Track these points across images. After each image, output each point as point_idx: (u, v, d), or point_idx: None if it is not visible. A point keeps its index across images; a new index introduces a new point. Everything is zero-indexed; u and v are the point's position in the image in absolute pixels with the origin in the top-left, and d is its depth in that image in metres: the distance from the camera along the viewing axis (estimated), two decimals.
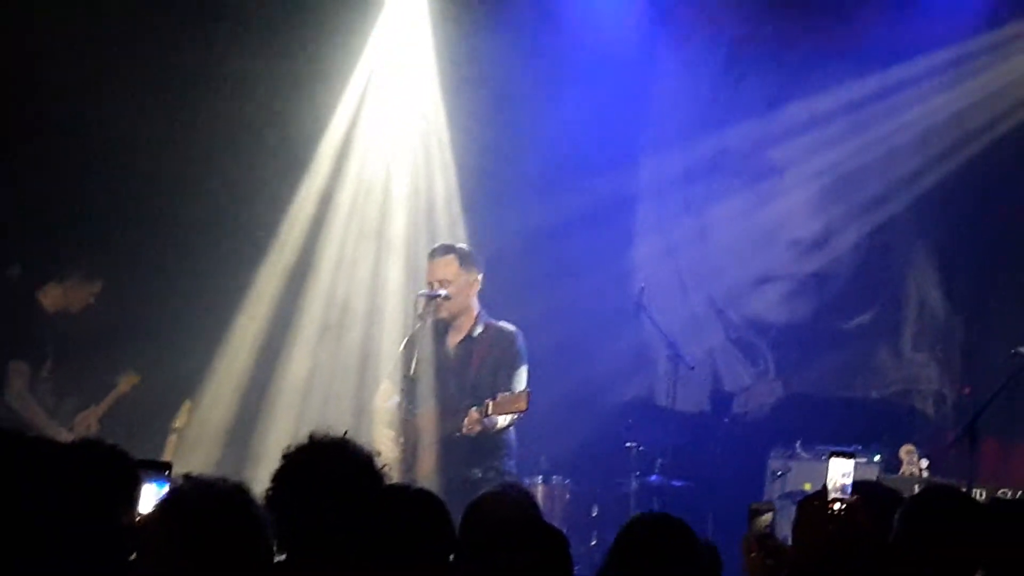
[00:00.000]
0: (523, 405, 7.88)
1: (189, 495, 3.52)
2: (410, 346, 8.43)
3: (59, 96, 9.86)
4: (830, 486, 4.28)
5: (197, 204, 10.34)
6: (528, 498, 4.50)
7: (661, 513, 4.11)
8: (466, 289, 8.40)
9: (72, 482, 3.76)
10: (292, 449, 4.21)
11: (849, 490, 4.25)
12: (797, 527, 4.33)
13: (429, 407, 8.32)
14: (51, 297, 9.73)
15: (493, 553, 3.91)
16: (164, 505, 3.56)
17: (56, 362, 9.69)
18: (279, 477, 4.16)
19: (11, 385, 9.41)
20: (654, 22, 11.64)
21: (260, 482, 4.19)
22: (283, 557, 4.10)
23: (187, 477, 3.66)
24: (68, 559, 3.28)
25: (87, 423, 9.51)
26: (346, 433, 4.29)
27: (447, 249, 8.56)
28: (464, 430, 8.02)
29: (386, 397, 8.62)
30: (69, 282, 9.77)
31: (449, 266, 8.38)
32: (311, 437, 4.23)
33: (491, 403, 7.97)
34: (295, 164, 10.63)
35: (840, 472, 4.28)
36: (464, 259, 8.42)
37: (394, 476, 4.52)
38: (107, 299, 9.93)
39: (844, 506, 4.21)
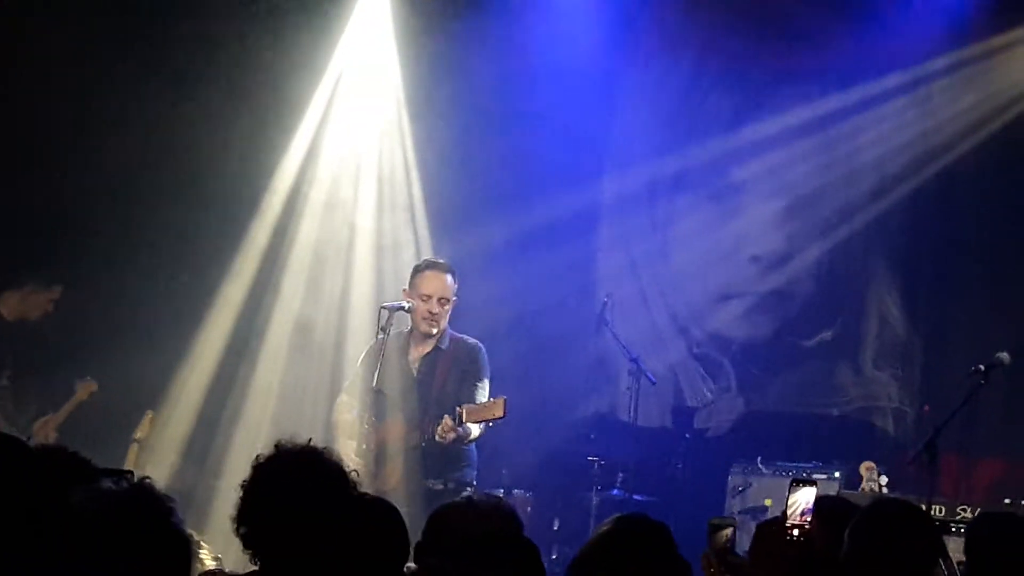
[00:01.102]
0: (500, 412, 7.87)
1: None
2: (371, 358, 8.40)
3: (16, 100, 9.80)
4: (790, 512, 4.31)
5: (160, 211, 10.30)
6: (503, 513, 4.46)
7: (645, 515, 4.07)
8: (450, 306, 8.41)
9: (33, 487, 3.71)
10: (262, 458, 4.19)
11: (809, 516, 4.28)
12: (754, 550, 4.35)
13: (392, 419, 8.30)
14: (8, 305, 9.68)
15: (456, 563, 3.90)
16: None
17: (15, 370, 9.63)
18: (249, 486, 4.14)
19: None
20: (618, 40, 11.67)
21: (221, 491, 4.18)
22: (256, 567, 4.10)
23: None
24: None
25: (46, 432, 9.45)
26: (310, 442, 4.28)
27: (448, 268, 8.49)
28: (438, 437, 8.00)
29: (346, 409, 8.58)
30: (26, 289, 9.72)
31: (448, 283, 8.36)
32: (279, 446, 4.21)
33: (464, 410, 7.96)
34: (260, 172, 10.60)
35: (801, 499, 4.31)
36: (455, 278, 8.42)
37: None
38: (67, 307, 9.88)
39: (801, 533, 4.23)
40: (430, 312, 8.30)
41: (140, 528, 3.29)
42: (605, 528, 4.00)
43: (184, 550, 3.33)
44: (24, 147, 9.94)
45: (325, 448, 4.25)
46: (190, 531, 4.42)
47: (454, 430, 7.98)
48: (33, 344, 9.74)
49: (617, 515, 4.13)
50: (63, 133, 9.94)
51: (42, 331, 9.78)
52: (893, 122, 11.29)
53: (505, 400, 7.91)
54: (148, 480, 3.51)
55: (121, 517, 3.30)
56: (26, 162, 9.97)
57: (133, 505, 3.36)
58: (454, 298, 8.41)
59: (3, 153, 9.89)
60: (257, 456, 4.18)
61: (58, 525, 2.00)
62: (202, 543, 4.90)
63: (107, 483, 3.47)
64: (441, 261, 8.65)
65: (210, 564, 5.44)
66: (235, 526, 4.12)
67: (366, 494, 4.28)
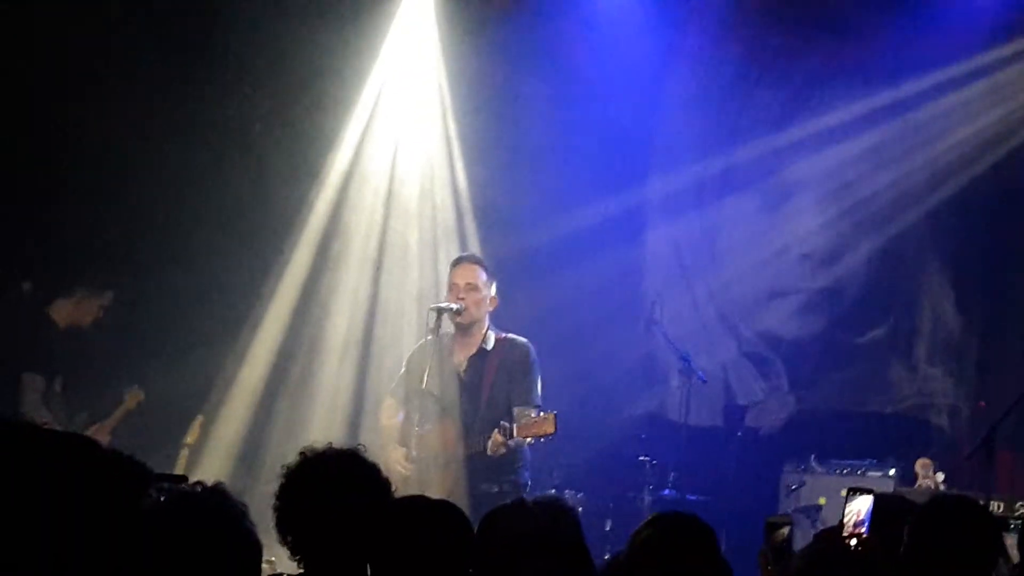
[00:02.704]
0: (551, 428, 7.80)
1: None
2: (418, 360, 8.38)
3: (66, 110, 9.84)
4: (847, 522, 4.26)
5: (209, 215, 10.31)
6: (559, 511, 4.42)
7: (687, 513, 4.04)
8: (485, 302, 8.38)
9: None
10: (298, 462, 4.20)
11: (866, 526, 4.23)
12: (812, 560, 4.30)
13: (443, 423, 8.27)
14: (61, 312, 9.73)
15: (509, 566, 3.88)
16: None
17: (67, 377, 9.68)
18: (281, 494, 4.16)
19: (26, 398, 9.40)
20: (664, 38, 11.61)
21: (270, 496, 4.18)
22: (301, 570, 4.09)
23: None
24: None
25: (97, 438, 9.46)
26: (359, 448, 4.28)
27: (476, 259, 8.60)
28: (489, 452, 7.98)
29: (391, 414, 8.56)
30: (78, 296, 9.77)
31: (478, 273, 8.37)
32: (304, 453, 4.22)
33: (514, 426, 7.92)
34: (307, 175, 10.61)
35: (857, 508, 4.26)
36: (488, 273, 8.43)
37: (408, 492, 4.49)
38: (117, 313, 9.91)
39: (859, 543, 4.18)
40: (458, 298, 8.31)
41: (214, 529, 3.30)
42: (645, 532, 3.97)
43: (255, 552, 3.33)
44: (73, 154, 9.98)
45: (356, 448, 4.25)
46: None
47: (504, 445, 7.95)
48: (84, 351, 9.78)
49: (655, 514, 4.11)
50: (114, 140, 9.96)
51: (93, 338, 9.82)
52: (944, 117, 11.18)
53: (556, 416, 7.84)
54: (221, 484, 3.53)
55: (196, 518, 3.31)
56: (78, 172, 10.01)
57: (208, 507, 3.37)
58: (491, 293, 8.39)
59: (52, 160, 9.93)
60: (285, 465, 4.20)
61: (133, 525, 2.01)
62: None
63: (163, 487, 3.47)
64: (471, 254, 8.87)
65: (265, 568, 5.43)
66: (279, 536, 4.14)
67: (427, 497, 4.26)
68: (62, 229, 10.07)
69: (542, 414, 7.94)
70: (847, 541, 4.24)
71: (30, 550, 1.95)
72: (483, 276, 8.38)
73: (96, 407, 9.74)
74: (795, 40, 11.37)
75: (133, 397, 9.76)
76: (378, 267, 10.68)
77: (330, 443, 4.29)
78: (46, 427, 2.52)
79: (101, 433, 9.55)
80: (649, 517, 4.12)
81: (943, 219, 11.25)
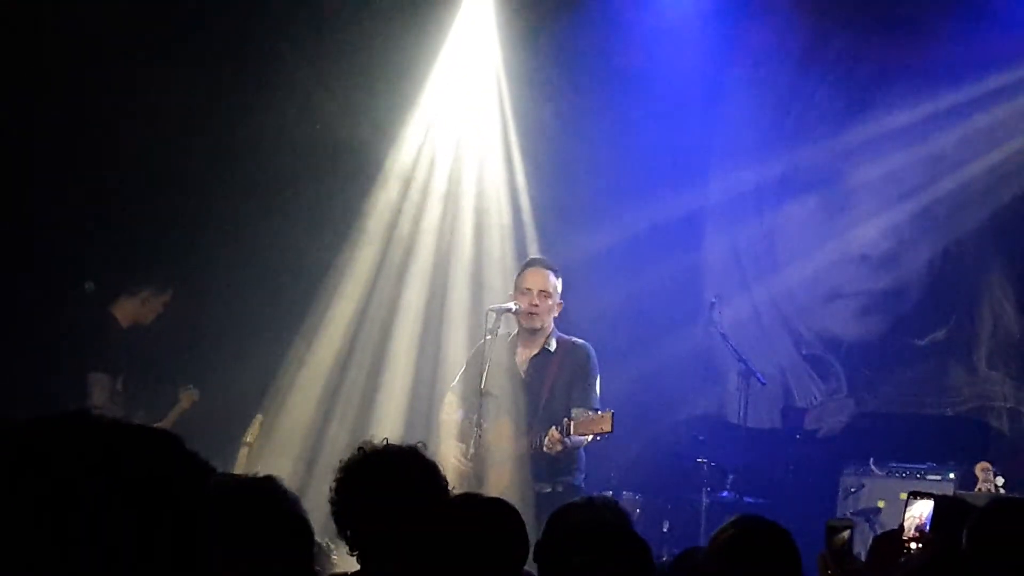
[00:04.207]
0: (607, 427, 7.83)
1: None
2: (478, 359, 8.42)
3: (127, 110, 9.92)
4: (907, 525, 4.25)
5: (268, 214, 10.36)
6: (618, 511, 4.47)
7: (771, 521, 4.09)
8: (555, 307, 8.42)
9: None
10: (355, 457, 4.23)
11: (927, 530, 4.22)
12: (871, 563, 4.30)
13: (500, 422, 8.30)
14: (124, 310, 9.81)
15: (573, 561, 3.89)
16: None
17: (128, 376, 9.76)
18: (338, 488, 4.18)
19: (94, 397, 9.48)
20: (725, 37, 11.58)
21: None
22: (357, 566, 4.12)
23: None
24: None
25: None
26: (418, 445, 4.30)
27: (548, 264, 8.58)
28: (545, 448, 7.99)
29: (451, 410, 8.62)
30: (144, 294, 9.84)
31: (550, 278, 8.40)
32: (363, 448, 4.25)
33: (572, 423, 7.94)
34: (367, 173, 10.64)
35: (918, 512, 4.25)
36: (558, 277, 8.44)
37: (465, 490, 4.52)
38: (177, 311, 9.99)
39: (920, 547, 4.18)
40: (531, 304, 8.32)
41: (267, 513, 3.33)
42: (729, 531, 3.99)
43: (307, 537, 3.35)
44: (133, 151, 10.04)
45: (417, 445, 4.27)
46: (327, 540, 4.48)
47: (561, 442, 7.96)
48: (144, 350, 9.85)
49: (739, 515, 4.13)
50: (173, 137, 10.03)
51: (153, 337, 9.89)
52: (1008, 116, 11.08)
53: (613, 414, 7.86)
54: (272, 476, 3.57)
55: (250, 503, 3.34)
56: (139, 172, 10.08)
57: (261, 492, 3.40)
58: (559, 298, 8.42)
59: (111, 158, 10.00)
60: (342, 460, 4.22)
61: (202, 511, 2.04)
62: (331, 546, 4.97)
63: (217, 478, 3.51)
64: (543, 258, 8.79)
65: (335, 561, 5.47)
66: (338, 530, 4.17)
67: (482, 495, 4.29)
68: (123, 226, 10.14)
69: (599, 413, 7.97)
70: (907, 544, 4.23)
71: (108, 545, 1.98)
72: (554, 281, 8.40)
73: (153, 406, 9.81)
74: (857, 39, 11.31)
75: (188, 397, 9.81)
76: (444, 268, 10.68)
77: (386, 439, 4.31)
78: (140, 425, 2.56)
79: None
80: (732, 518, 4.15)
81: (1005, 221, 11.15)
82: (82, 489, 1.93)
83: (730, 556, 3.94)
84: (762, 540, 3.97)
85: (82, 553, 1.91)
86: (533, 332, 8.42)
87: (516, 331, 8.52)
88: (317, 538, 4.87)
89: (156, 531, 2.01)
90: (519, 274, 8.56)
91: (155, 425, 9.48)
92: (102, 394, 9.49)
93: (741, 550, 3.95)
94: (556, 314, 8.48)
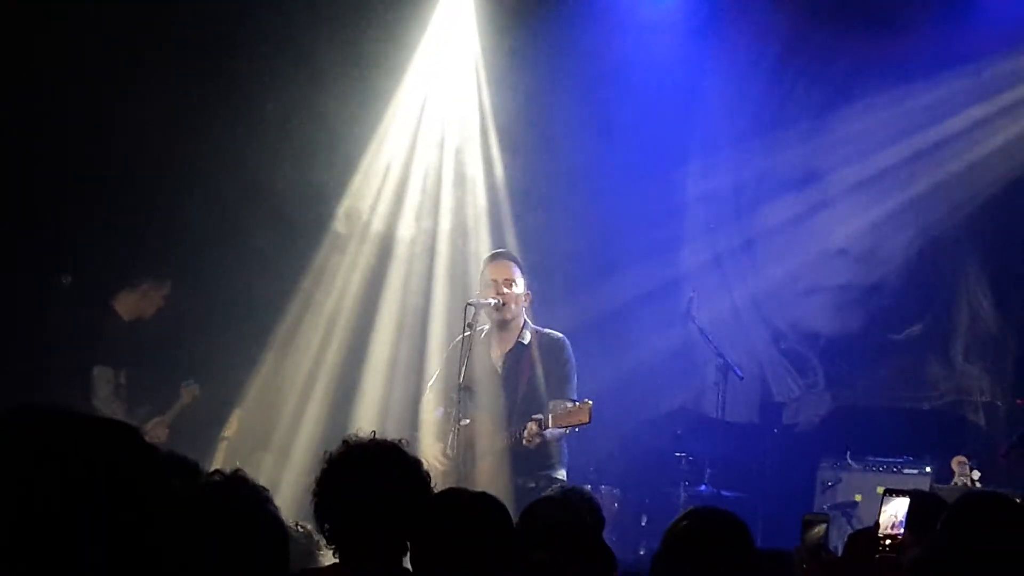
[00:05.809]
0: (585, 418, 7.88)
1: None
2: (454, 356, 8.45)
3: (114, 106, 9.90)
4: (882, 522, 4.27)
5: (248, 211, 10.35)
6: (589, 505, 4.48)
7: (722, 509, 4.11)
8: (522, 297, 8.47)
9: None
10: (340, 451, 4.23)
11: (902, 528, 4.24)
12: (846, 559, 4.33)
13: (480, 417, 8.32)
14: (125, 304, 9.79)
15: (538, 555, 3.92)
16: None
17: (130, 370, 9.74)
18: (321, 482, 4.18)
19: (98, 391, 9.47)
20: (701, 33, 11.58)
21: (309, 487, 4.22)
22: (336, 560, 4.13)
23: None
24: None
25: (157, 432, 9.52)
26: (401, 442, 4.30)
27: (511, 255, 8.75)
28: (525, 442, 8.02)
29: (429, 409, 8.65)
30: (143, 287, 9.83)
31: (513, 269, 8.49)
32: (348, 441, 4.24)
33: (551, 416, 7.98)
34: (348, 170, 10.64)
35: (894, 510, 4.27)
36: (521, 269, 8.53)
37: (446, 487, 4.52)
38: (176, 304, 9.99)
39: (893, 544, 4.20)
40: (497, 294, 8.37)
41: (237, 513, 3.32)
42: (681, 524, 4.02)
43: (281, 536, 3.35)
44: (127, 152, 10.03)
45: (399, 441, 4.28)
46: (309, 528, 4.47)
47: (540, 434, 8.00)
48: (144, 344, 9.84)
49: (692, 507, 4.16)
50: (166, 132, 10.02)
51: (152, 330, 9.87)
52: (984, 113, 11.12)
53: (591, 405, 7.91)
54: (241, 472, 3.54)
55: (219, 503, 3.34)
56: (124, 168, 10.07)
57: (230, 492, 3.39)
58: (525, 289, 8.48)
59: (107, 157, 9.99)
60: (326, 452, 4.22)
61: (164, 511, 2.03)
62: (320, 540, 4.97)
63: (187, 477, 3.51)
64: (505, 251, 8.97)
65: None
66: (316, 523, 4.17)
67: (468, 489, 4.29)
68: (114, 221, 10.11)
69: (577, 404, 8.01)
70: (882, 541, 4.25)
71: (63, 540, 1.98)
72: (518, 272, 8.47)
73: (156, 400, 9.81)
74: (836, 32, 11.32)
75: (188, 392, 9.83)
76: (423, 264, 10.68)
77: (373, 432, 4.31)
78: (96, 415, 2.55)
79: (160, 427, 9.61)
80: (685, 510, 4.18)
81: (982, 216, 11.20)
82: (33, 482, 1.94)
83: (684, 547, 3.97)
84: (715, 530, 4.00)
85: (33, 545, 1.91)
86: (505, 324, 8.47)
87: (489, 327, 8.55)
88: (305, 526, 4.88)
89: (108, 523, 2.00)
90: (482, 269, 8.67)
91: (159, 419, 9.55)
92: (106, 388, 9.49)
93: (694, 541, 3.97)
94: (526, 304, 8.53)
